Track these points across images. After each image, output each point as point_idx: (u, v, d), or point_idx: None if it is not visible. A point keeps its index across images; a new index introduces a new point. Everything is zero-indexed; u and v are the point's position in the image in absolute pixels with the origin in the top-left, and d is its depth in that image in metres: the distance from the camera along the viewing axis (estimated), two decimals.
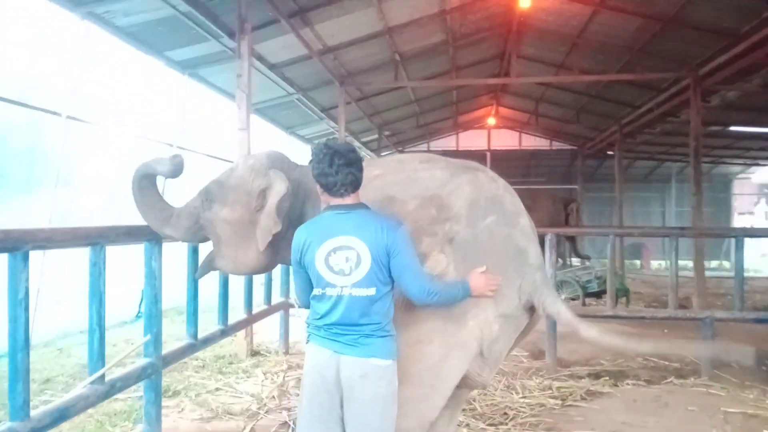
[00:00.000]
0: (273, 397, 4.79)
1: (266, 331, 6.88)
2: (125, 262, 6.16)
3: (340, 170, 2.43)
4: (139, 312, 8.20)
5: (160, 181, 3.45)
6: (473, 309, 2.61)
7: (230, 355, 6.06)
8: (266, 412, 4.42)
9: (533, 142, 20.37)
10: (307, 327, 2.52)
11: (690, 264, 18.60)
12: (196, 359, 5.72)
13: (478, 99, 16.97)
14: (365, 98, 12.95)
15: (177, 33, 7.41)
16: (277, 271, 6.14)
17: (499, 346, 2.73)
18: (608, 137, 16.68)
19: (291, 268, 2.69)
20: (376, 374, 2.37)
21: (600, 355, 6.34)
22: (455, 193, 2.77)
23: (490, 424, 4.03)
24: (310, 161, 2.54)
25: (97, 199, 7.72)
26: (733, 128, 13.39)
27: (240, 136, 6.37)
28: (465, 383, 2.78)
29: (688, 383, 5.21)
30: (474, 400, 4.40)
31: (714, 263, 20.05)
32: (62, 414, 2.73)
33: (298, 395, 4.75)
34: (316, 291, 2.45)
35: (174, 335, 6.73)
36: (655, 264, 20.75)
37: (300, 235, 2.49)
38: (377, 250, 2.37)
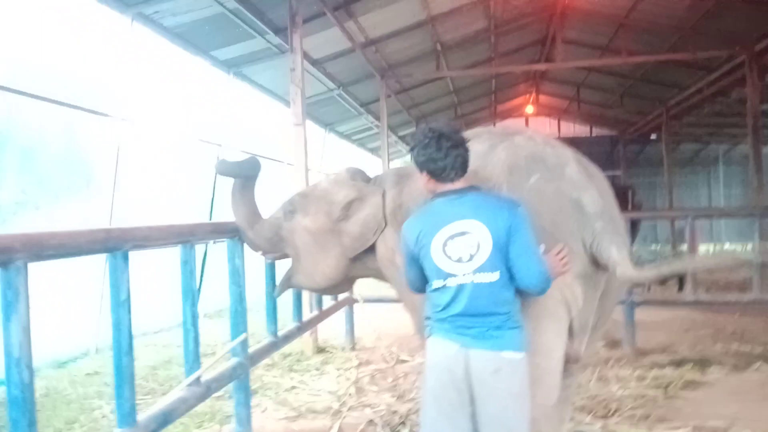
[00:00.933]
0: (350, 394, 4.69)
1: (329, 328, 6.78)
2: (157, 268, 6.21)
3: (449, 153, 2.27)
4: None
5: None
6: None
7: (297, 352, 5.97)
8: (348, 409, 4.31)
9: (572, 129, 19.99)
10: (427, 321, 2.36)
11: (732, 247, 18.44)
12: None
13: (516, 87, 16.70)
14: (404, 91, 12.80)
15: (223, 31, 7.36)
16: None
17: (586, 310, 2.55)
18: (652, 121, 16.26)
19: None
20: (509, 369, 2.21)
21: (677, 342, 6.11)
22: (491, 162, 2.61)
23: (597, 417, 3.84)
24: (413, 147, 2.38)
25: (149, 200, 7.75)
26: None
27: (295, 132, 6.30)
28: None
29: None
30: None
31: (751, 245, 19.40)
32: (166, 418, 2.65)
33: (375, 391, 4.73)
34: (435, 283, 2.28)
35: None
36: (703, 248, 20.19)
37: (411, 227, 2.34)
38: (498, 231, 2.18)
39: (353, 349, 6.13)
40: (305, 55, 8.72)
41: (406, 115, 14.58)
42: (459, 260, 2.21)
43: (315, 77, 9.74)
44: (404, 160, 20.33)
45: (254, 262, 3.72)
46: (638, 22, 10.30)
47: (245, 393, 3.53)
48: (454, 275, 2.22)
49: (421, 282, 2.41)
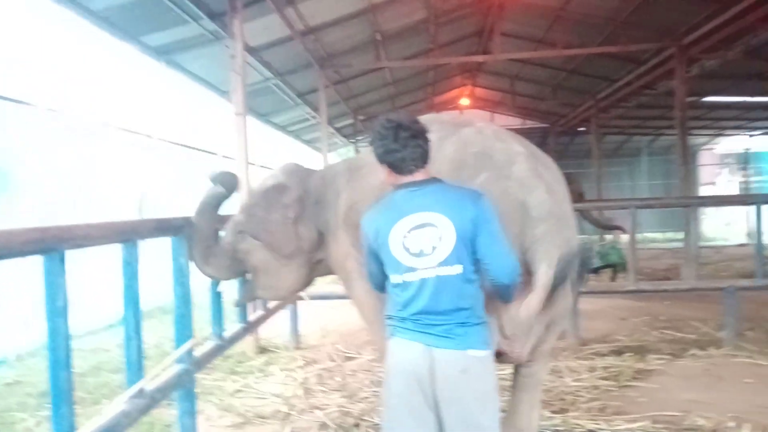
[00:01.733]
0: (298, 396, 4.50)
1: (270, 327, 6.52)
2: (96, 264, 5.81)
3: (407, 144, 2.18)
4: None
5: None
6: None
7: (238, 353, 5.70)
8: (299, 412, 4.13)
9: (506, 121, 20.28)
10: (389, 320, 2.24)
11: (651, 236, 19.32)
12: None
13: (453, 79, 16.78)
14: (342, 81, 12.58)
15: (154, 16, 6.91)
16: None
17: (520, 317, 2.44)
18: (582, 113, 16.72)
19: None
20: (477, 367, 2.11)
21: (616, 330, 6.25)
22: (438, 158, 2.51)
23: (555, 412, 3.82)
24: (371, 140, 2.27)
25: (74, 195, 7.23)
26: (707, 98, 13.51)
27: (236, 123, 6.00)
28: (501, 359, 2.59)
29: (713, 354, 5.14)
30: None
31: (669, 234, 20.46)
32: None
33: (324, 392, 4.56)
34: (394, 278, 2.17)
35: (168, 336, 6.39)
36: (624, 237, 21.03)
37: (371, 221, 2.25)
38: (462, 223, 2.09)
39: (297, 348, 5.92)
40: None
41: (343, 107, 14.37)
42: (419, 254, 2.11)
43: (252, 66, 9.37)
44: (339, 152, 20.11)
45: None
46: (573, 14, 10.47)
47: (191, 401, 3.27)
48: (414, 269, 2.12)
49: (381, 278, 2.30)
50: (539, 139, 21.24)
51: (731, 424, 3.49)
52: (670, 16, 9.49)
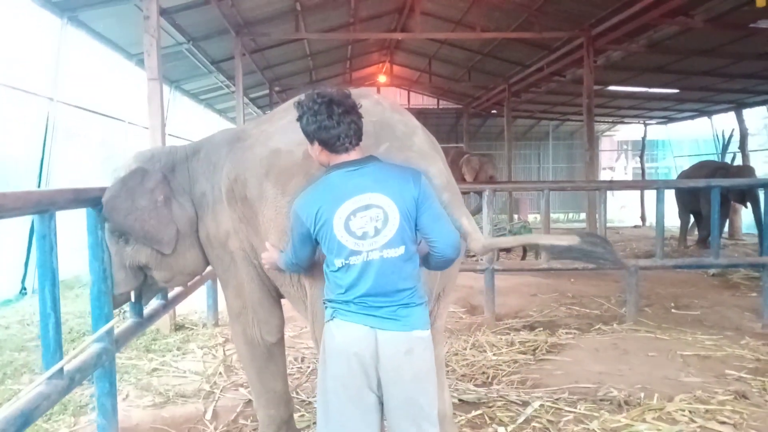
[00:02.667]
0: (220, 373, 4.38)
1: (185, 304, 6.30)
2: None
3: (342, 120, 2.09)
4: (23, 288, 7.23)
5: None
6: None
7: (151, 331, 5.46)
8: (221, 390, 4.02)
9: (421, 100, 20.57)
10: (329, 303, 2.17)
11: (554, 216, 20.39)
12: None
13: (371, 55, 16.72)
14: (259, 50, 12.21)
15: None
16: None
17: (430, 282, 2.50)
18: (495, 96, 17.19)
19: None
20: (420, 347, 2.12)
21: (527, 307, 6.54)
22: None
23: (478, 385, 3.95)
24: (301, 116, 2.14)
25: None
26: (610, 87, 14.25)
27: (150, 88, 5.65)
28: None
29: (617, 329, 5.48)
30: (449, 362, 4.31)
31: (572, 214, 21.73)
32: (26, 419, 2.22)
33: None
34: (337, 262, 2.09)
35: (74, 312, 6.04)
36: (531, 217, 22.05)
37: (308, 204, 2.11)
38: (405, 203, 2.05)
39: (216, 325, 5.75)
40: None
41: (259, 77, 13.95)
42: (363, 236, 2.04)
43: (163, 29, 8.86)
44: (249, 121, 19.58)
45: None
46: None
47: (110, 381, 3.11)
48: (359, 252, 2.06)
49: (307, 263, 2.25)
50: (453, 119, 21.75)
51: (641, 394, 3.74)
52: (581, 7, 9.90)
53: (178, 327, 5.66)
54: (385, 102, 2.70)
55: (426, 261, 2.19)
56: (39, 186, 7.13)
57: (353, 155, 2.14)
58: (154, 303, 3.93)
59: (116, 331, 3.23)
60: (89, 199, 2.88)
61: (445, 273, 2.49)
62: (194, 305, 6.14)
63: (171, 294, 4.28)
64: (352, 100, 2.15)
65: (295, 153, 2.57)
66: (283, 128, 2.71)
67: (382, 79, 18.37)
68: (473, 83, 16.87)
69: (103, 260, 2.99)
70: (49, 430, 3.36)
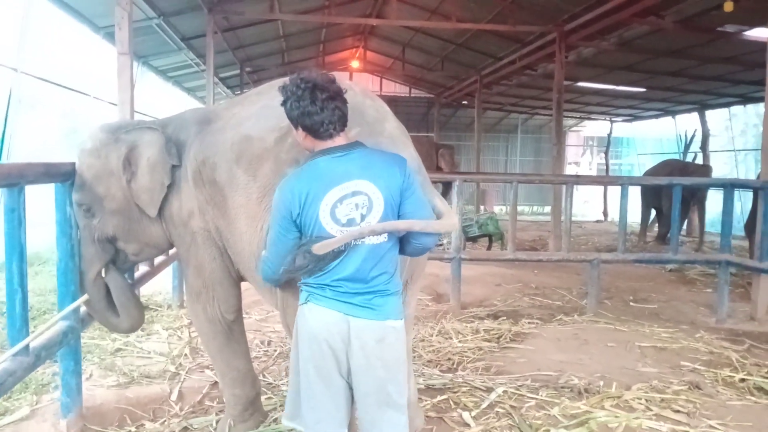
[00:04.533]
0: (186, 355, 4.36)
1: (149, 284, 6.22)
2: None
3: (325, 106, 2.06)
4: None
5: None
6: None
7: None
8: (186, 372, 4.00)
9: (393, 88, 20.54)
10: (304, 286, 2.17)
11: (519, 208, 20.70)
12: None
13: (345, 40, 16.61)
14: (232, 29, 12.00)
15: None
16: None
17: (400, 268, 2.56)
18: (466, 87, 17.27)
19: None
20: (392, 337, 2.14)
21: (491, 296, 6.65)
22: None
23: (444, 371, 4.02)
24: (285, 101, 2.12)
25: None
26: (579, 83, 14.47)
27: (120, 63, 5.53)
28: None
29: (577, 320, 5.62)
30: (416, 348, 4.37)
31: (536, 207, 22.12)
32: None
33: None
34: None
35: (34, 290, 5.90)
36: (497, 209, 22.35)
37: (294, 190, 2.06)
38: (390, 191, 2.07)
39: (181, 306, 5.69)
40: None
41: (230, 56, 13.72)
42: (349, 223, 2.04)
43: (134, 2, 8.62)
44: (220, 103, 19.28)
45: None
46: None
47: (75, 360, 3.07)
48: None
49: (291, 249, 2.16)
50: (425, 108, 21.79)
51: (600, 383, 3.86)
52: (555, 3, 9.99)
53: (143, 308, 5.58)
54: (357, 87, 2.69)
55: (403, 247, 2.21)
56: (0, 158, 6.92)
57: (338, 141, 2.12)
58: None
59: (81, 309, 3.19)
60: (59, 174, 2.82)
61: (414, 260, 2.51)
62: (159, 286, 6.07)
63: (136, 274, 4.22)
64: (336, 86, 2.12)
65: (266, 139, 2.57)
66: (255, 114, 2.70)
67: (355, 64, 18.28)
68: (446, 73, 16.91)
69: (71, 237, 2.93)
70: (10, 409, 3.30)
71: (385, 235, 2.08)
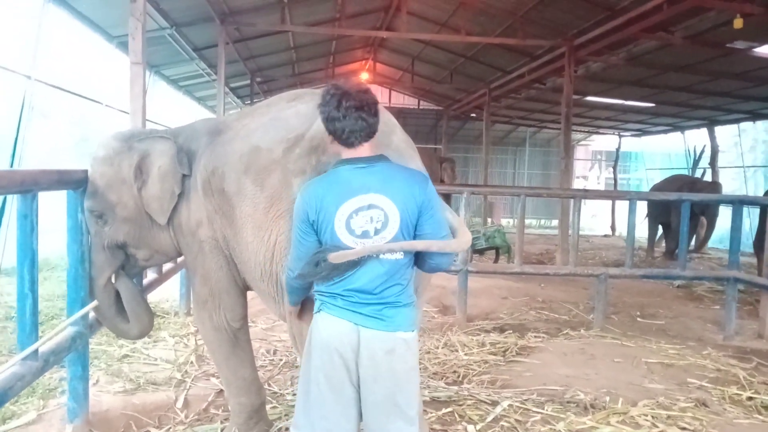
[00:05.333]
0: (192, 362, 4.37)
1: (157, 291, 6.25)
2: None
3: (348, 114, 2.07)
4: None
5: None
6: None
7: None
8: (192, 379, 4.02)
9: (402, 100, 20.63)
10: (318, 295, 2.18)
11: (526, 221, 20.65)
12: None
13: (355, 52, 16.71)
14: (243, 40, 12.10)
15: None
16: None
17: None
18: (475, 99, 17.32)
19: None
20: (402, 348, 2.12)
21: (498, 309, 6.64)
22: (317, 121, 2.46)
23: (449, 383, 4.02)
24: (319, 105, 2.15)
25: None
26: (588, 98, 14.49)
27: (133, 72, 5.60)
28: None
29: (584, 334, 5.60)
30: (422, 360, 4.36)
31: (544, 221, 22.03)
32: (1, 398, 2.21)
33: None
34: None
35: (43, 295, 5.94)
36: (504, 221, 22.31)
37: (313, 195, 2.10)
38: (407, 208, 2.06)
39: (189, 314, 5.71)
40: None
41: (241, 67, 13.83)
42: (363, 235, 2.05)
43: (147, 12, 8.73)
44: (231, 113, 19.41)
45: None
46: (476, 3, 10.77)
47: (83, 365, 3.10)
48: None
49: (308, 254, 2.16)
50: (433, 120, 21.87)
51: (606, 398, 3.84)
52: (565, 17, 10.05)
53: None
54: None
55: (419, 265, 2.21)
56: (12, 165, 6.99)
57: (363, 151, 2.13)
58: None
59: (90, 315, 3.21)
60: (72, 181, 2.86)
61: (421, 272, 2.49)
62: (167, 293, 6.10)
63: (145, 281, 4.26)
64: (366, 97, 2.12)
65: (274, 151, 2.60)
66: (264, 125, 2.74)
67: (364, 76, 18.36)
68: (455, 86, 16.98)
69: (81, 243, 2.97)
70: (17, 413, 3.32)
71: (400, 252, 2.09)
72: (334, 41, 14.72)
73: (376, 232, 2.05)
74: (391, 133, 2.61)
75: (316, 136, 2.53)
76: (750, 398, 3.97)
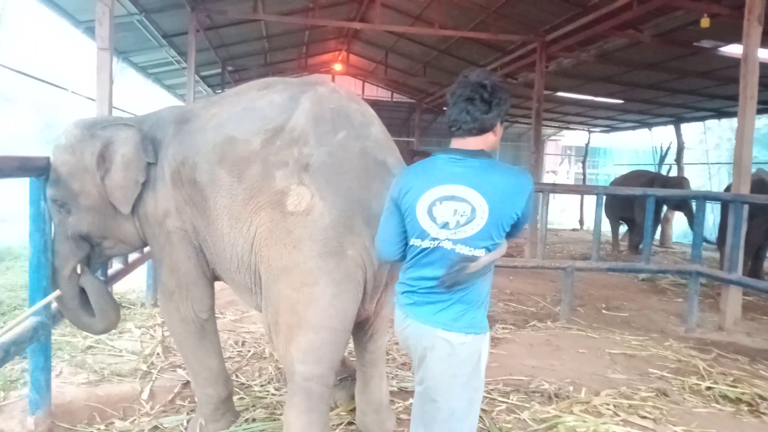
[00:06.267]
0: (158, 354, 4.32)
1: (123, 282, 6.15)
2: None
3: (457, 103, 2.04)
4: None
5: None
6: (349, 236, 2.42)
7: None
8: (158, 371, 3.97)
9: (375, 92, 20.59)
10: (398, 284, 2.21)
11: None
12: None
13: (328, 43, 16.62)
14: (214, 28, 11.94)
15: None
16: None
17: (380, 272, 2.57)
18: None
19: None
20: (463, 351, 2.04)
21: None
22: (296, 112, 2.53)
23: None
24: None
25: None
26: (559, 93, 14.65)
27: (100, 58, 5.49)
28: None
29: (550, 326, 5.68)
30: (389, 351, 4.38)
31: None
32: None
33: None
34: (414, 242, 2.09)
35: (5, 285, 5.82)
36: None
37: (405, 175, 2.14)
38: (501, 208, 1.99)
39: (155, 305, 5.63)
40: None
41: (212, 55, 13.63)
42: (444, 225, 2.01)
43: None
44: (198, 101, 19.13)
45: None
46: None
47: (45, 356, 3.03)
48: (437, 239, 2.04)
49: (394, 238, 2.17)
50: (406, 113, 21.87)
51: (570, 388, 3.92)
52: (537, 13, 10.14)
53: None
54: (342, 90, 2.72)
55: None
56: None
57: (470, 144, 2.06)
58: None
59: (53, 306, 3.15)
60: (34, 168, 2.79)
61: (396, 264, 2.47)
62: (132, 284, 6.01)
63: (110, 271, 4.20)
64: (482, 91, 2.02)
65: (251, 142, 2.57)
66: (237, 115, 2.70)
67: (337, 67, 18.29)
68: (428, 79, 17.01)
69: (44, 232, 2.91)
70: None
71: (482, 250, 2.02)
72: (307, 31, 14.61)
73: (458, 225, 2.00)
74: (370, 125, 2.61)
75: (296, 128, 2.51)
76: (709, 388, 4.08)
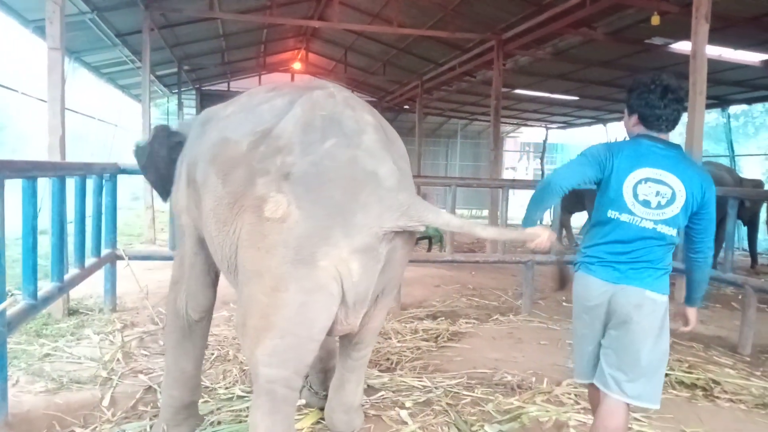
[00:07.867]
0: (118, 360, 4.23)
1: (80, 288, 6.00)
2: None
3: (669, 105, 2.42)
4: None
5: None
6: (323, 247, 2.29)
7: (42, 315, 5.14)
8: (119, 377, 3.89)
9: None
10: (584, 250, 2.55)
11: (459, 212, 21.10)
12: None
13: (287, 41, 16.49)
14: (169, 27, 11.74)
15: None
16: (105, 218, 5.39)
17: (362, 284, 2.42)
18: (408, 92, 17.47)
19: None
20: (649, 307, 2.41)
21: (430, 297, 6.76)
22: (285, 119, 2.44)
23: (383, 371, 4.06)
24: (633, 89, 2.49)
25: None
26: (516, 90, 14.89)
27: (51, 59, 5.33)
28: (334, 330, 2.56)
29: (512, 319, 5.79)
30: None
31: (475, 211, 22.49)
32: None
33: (147, 356, 4.34)
34: (611, 213, 2.43)
35: None
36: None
37: (617, 145, 2.48)
38: (694, 196, 2.38)
39: (114, 310, 5.51)
40: None
41: (168, 54, 13.40)
42: (645, 203, 2.36)
43: None
44: (157, 103, 18.78)
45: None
46: None
47: (0, 365, 2.95)
48: (634, 214, 2.38)
49: (573, 181, 2.44)
50: None
51: (533, 379, 4.01)
52: (493, 12, 10.30)
53: (72, 312, 5.38)
54: (339, 95, 2.57)
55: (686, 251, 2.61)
56: None
57: (663, 136, 2.47)
58: (48, 285, 3.75)
59: (8, 313, 3.07)
60: (20, 169, 2.70)
61: (386, 273, 2.45)
62: (90, 289, 5.86)
63: (67, 276, 4.09)
64: (683, 92, 2.47)
65: (241, 143, 2.47)
66: (239, 117, 2.64)
67: (297, 66, 18.15)
68: (388, 77, 17.06)
69: None
70: None
71: (675, 230, 2.40)
72: (265, 30, 14.47)
73: (659, 206, 2.36)
74: (362, 133, 2.44)
75: (282, 135, 2.40)
76: (665, 374, 4.21)
